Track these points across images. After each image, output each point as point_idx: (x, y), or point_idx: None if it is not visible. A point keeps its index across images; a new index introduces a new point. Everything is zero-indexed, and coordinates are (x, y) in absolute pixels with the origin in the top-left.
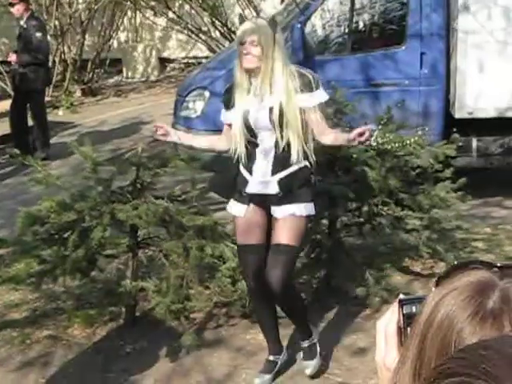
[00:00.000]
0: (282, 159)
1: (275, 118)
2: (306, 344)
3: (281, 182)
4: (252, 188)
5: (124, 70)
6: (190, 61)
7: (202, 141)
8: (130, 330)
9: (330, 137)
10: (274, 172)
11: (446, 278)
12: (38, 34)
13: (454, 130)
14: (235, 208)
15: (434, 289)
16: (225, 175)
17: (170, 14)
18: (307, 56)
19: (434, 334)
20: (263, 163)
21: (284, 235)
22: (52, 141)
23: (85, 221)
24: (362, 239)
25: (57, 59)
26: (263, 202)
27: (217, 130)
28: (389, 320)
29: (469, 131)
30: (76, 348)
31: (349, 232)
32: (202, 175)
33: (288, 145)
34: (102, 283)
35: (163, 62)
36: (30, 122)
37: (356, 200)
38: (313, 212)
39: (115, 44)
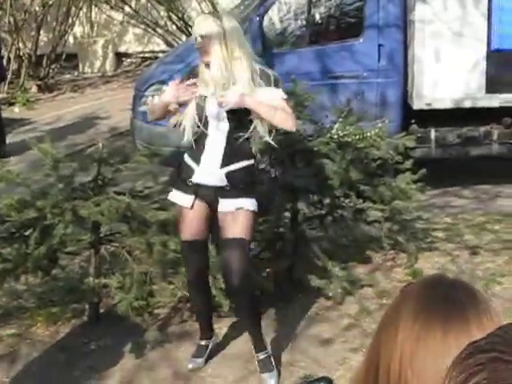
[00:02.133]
0: (232, 152)
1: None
2: (262, 356)
3: (229, 175)
4: (198, 178)
5: (80, 65)
6: (146, 55)
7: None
8: (94, 327)
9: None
10: (223, 164)
11: None
12: None
13: (413, 121)
14: (181, 198)
15: None
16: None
17: (127, 9)
18: (265, 49)
19: None
20: (212, 154)
21: (237, 229)
22: (8, 138)
23: (46, 218)
24: (323, 231)
25: (12, 55)
26: (208, 194)
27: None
28: None
29: (427, 122)
30: (40, 346)
31: (311, 224)
32: (162, 170)
33: (239, 138)
34: (65, 281)
35: (120, 56)
36: None
37: (317, 192)
38: (256, 209)
39: (71, 39)
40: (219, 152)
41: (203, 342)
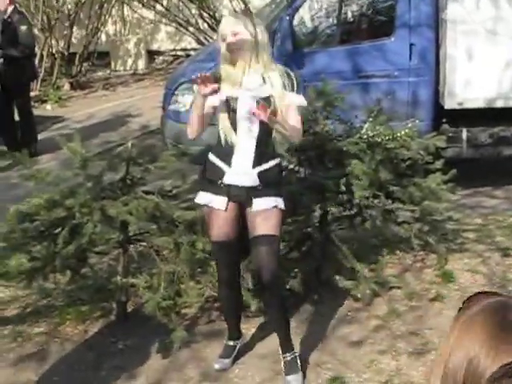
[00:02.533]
0: (262, 152)
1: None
2: (288, 357)
3: (261, 175)
4: (230, 179)
5: (112, 63)
6: (178, 53)
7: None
8: (122, 326)
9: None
10: (254, 165)
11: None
12: (23, 27)
13: (444, 120)
14: (212, 200)
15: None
16: None
17: (158, 7)
18: (296, 48)
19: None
20: (244, 155)
21: (269, 227)
22: (41, 135)
23: (75, 217)
24: (353, 232)
25: (44, 53)
26: (240, 194)
27: None
28: None
29: (459, 122)
30: (68, 345)
31: (340, 225)
32: (192, 169)
33: (270, 138)
34: (93, 279)
35: (152, 54)
36: (17, 117)
37: (346, 193)
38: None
39: (103, 37)
40: (250, 152)
41: (231, 343)
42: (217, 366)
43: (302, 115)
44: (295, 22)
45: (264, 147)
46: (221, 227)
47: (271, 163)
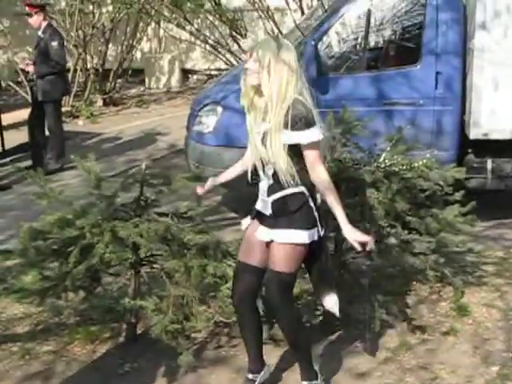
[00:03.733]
0: (278, 180)
1: (262, 142)
2: None
3: (274, 204)
4: (257, 204)
5: (146, 80)
6: (212, 72)
7: (235, 168)
8: (131, 348)
9: (327, 198)
10: (269, 193)
11: None
12: (54, 43)
13: (469, 150)
14: (245, 220)
15: None
16: (238, 191)
17: (190, 27)
18: (320, 73)
19: None
20: (265, 181)
21: (275, 261)
22: (71, 151)
23: (85, 237)
24: (367, 262)
25: (78, 68)
26: (262, 221)
27: (228, 145)
28: None
29: (484, 152)
30: (75, 365)
31: (358, 253)
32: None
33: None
34: (105, 300)
35: (186, 73)
36: (47, 132)
37: (361, 222)
38: (307, 240)
39: (138, 54)
40: (269, 179)
41: (250, 376)
42: None
43: (318, 151)
44: (320, 47)
45: (279, 175)
46: (243, 251)
47: (286, 192)
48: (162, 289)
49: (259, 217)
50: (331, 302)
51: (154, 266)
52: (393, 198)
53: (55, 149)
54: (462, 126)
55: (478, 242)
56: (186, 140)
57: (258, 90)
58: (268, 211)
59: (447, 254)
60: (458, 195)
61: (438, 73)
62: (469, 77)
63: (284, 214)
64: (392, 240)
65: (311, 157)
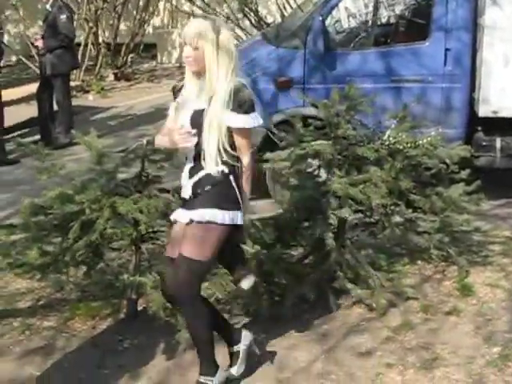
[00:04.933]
0: (199, 163)
1: (193, 121)
2: (201, 379)
3: (193, 186)
4: (182, 192)
5: (158, 55)
6: None
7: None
8: (131, 325)
9: (244, 175)
10: (190, 175)
11: None
12: (63, 17)
13: (478, 128)
14: (175, 212)
15: None
16: None
17: (199, 2)
18: (328, 49)
19: None
20: (187, 165)
21: (184, 245)
22: (80, 125)
23: (85, 213)
24: (370, 240)
25: (90, 42)
26: (184, 206)
27: None
28: None
29: (493, 130)
30: (75, 341)
31: (364, 231)
32: None
33: (203, 149)
34: (107, 275)
35: None
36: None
37: (364, 200)
38: (226, 221)
39: (150, 29)
40: (190, 163)
41: (235, 349)
42: (232, 372)
43: (247, 137)
44: (328, 23)
45: (201, 157)
46: (169, 243)
47: (204, 172)
48: (162, 265)
49: (183, 205)
50: (249, 284)
51: (156, 242)
52: (397, 176)
53: (64, 123)
54: (471, 104)
55: (487, 221)
56: None
57: (198, 75)
58: (188, 194)
59: (452, 233)
60: (463, 174)
61: (447, 49)
62: (479, 54)
63: (201, 192)
64: (396, 218)
65: (244, 141)
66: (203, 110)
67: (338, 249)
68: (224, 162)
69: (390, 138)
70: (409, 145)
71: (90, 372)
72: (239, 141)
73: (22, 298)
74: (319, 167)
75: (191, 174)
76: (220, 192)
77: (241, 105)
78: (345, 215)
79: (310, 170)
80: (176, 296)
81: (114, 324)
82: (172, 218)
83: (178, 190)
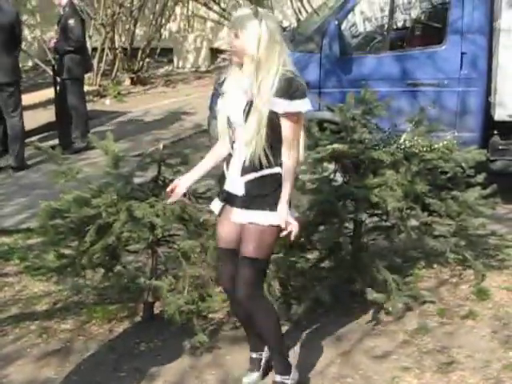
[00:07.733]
0: (253, 160)
1: (245, 116)
2: (278, 379)
3: (247, 185)
4: (227, 185)
5: (175, 59)
6: None
7: (205, 163)
8: (147, 328)
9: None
10: (243, 172)
11: None
12: (71, 21)
13: (495, 132)
14: (215, 205)
15: None
16: None
17: (216, 7)
18: (343, 52)
19: None
20: (237, 161)
21: (246, 246)
22: (96, 130)
23: (102, 217)
24: (387, 243)
25: (106, 47)
26: (232, 201)
27: None
28: None
29: (509, 134)
30: (91, 344)
31: (376, 235)
32: None
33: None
34: (123, 279)
35: (214, 52)
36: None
37: (380, 204)
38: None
39: (166, 33)
40: (242, 159)
41: (254, 355)
42: (245, 381)
43: (297, 123)
44: (344, 27)
45: (256, 154)
46: (220, 234)
47: (262, 173)
48: (178, 269)
49: (230, 199)
50: None
51: (172, 246)
52: (412, 179)
53: (80, 127)
54: (487, 108)
55: (503, 224)
56: (208, 119)
57: (241, 66)
58: (241, 192)
59: (468, 236)
60: (479, 177)
61: (463, 53)
62: (495, 57)
63: (259, 195)
64: (412, 222)
65: (296, 128)
66: (251, 102)
67: (354, 252)
68: (277, 163)
69: (406, 142)
70: (425, 148)
71: (106, 375)
72: (291, 129)
73: (39, 301)
74: (335, 171)
75: (243, 171)
76: (277, 196)
77: (292, 92)
78: (363, 218)
79: (325, 173)
80: (247, 298)
81: (130, 327)
82: (215, 210)
83: (194, 194)
